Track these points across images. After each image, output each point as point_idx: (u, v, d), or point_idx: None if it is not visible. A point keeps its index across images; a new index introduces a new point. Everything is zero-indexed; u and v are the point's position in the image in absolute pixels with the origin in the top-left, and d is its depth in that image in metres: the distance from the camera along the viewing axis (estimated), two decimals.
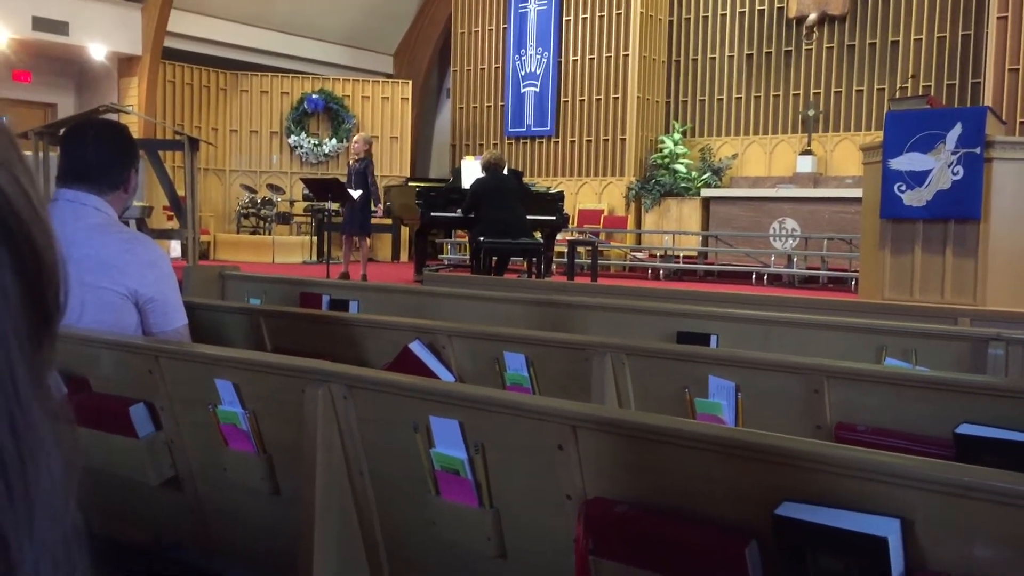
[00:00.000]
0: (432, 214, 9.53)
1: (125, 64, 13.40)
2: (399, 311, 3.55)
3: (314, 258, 13.29)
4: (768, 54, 13.20)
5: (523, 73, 14.42)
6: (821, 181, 12.33)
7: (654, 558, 1.29)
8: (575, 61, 13.93)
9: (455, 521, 1.61)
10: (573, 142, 14.03)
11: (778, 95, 13.13)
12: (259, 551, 2.07)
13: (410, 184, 12.39)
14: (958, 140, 5.75)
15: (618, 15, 13.47)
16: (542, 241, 9.07)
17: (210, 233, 13.89)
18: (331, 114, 15.45)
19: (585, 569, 1.35)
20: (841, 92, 12.65)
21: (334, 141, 15.36)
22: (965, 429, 1.67)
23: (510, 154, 14.24)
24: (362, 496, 1.77)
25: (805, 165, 12.45)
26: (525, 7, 14.34)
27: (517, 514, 1.55)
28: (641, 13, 13.36)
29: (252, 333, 2.99)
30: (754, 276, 11.58)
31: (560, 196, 10.37)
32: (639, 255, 13.11)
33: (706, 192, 12.89)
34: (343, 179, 9.70)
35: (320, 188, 9.33)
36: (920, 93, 11.21)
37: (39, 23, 12.15)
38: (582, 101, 13.89)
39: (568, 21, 14.00)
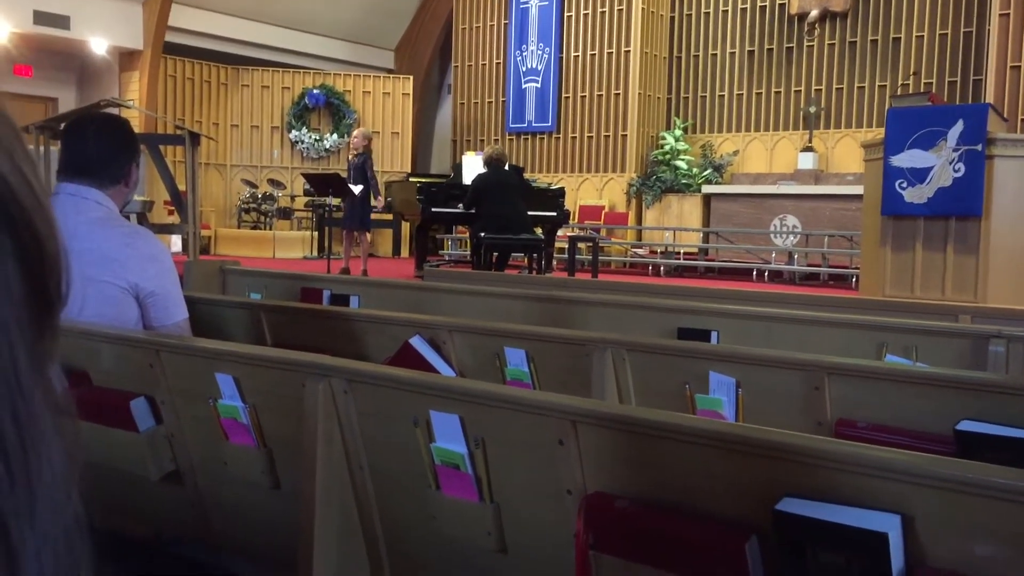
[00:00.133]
0: (433, 210, 9.52)
1: (126, 58, 13.39)
2: (400, 306, 3.55)
3: (315, 254, 13.28)
4: (770, 50, 13.17)
5: (524, 69, 14.40)
6: (822, 178, 12.32)
7: (654, 553, 1.29)
8: (576, 57, 13.91)
9: (455, 516, 1.61)
10: (574, 138, 14.02)
11: (779, 92, 13.11)
12: (259, 545, 2.07)
13: (411, 180, 12.38)
14: (959, 137, 5.74)
15: (619, 11, 13.45)
16: (543, 237, 9.07)
17: (211, 228, 13.89)
18: (332, 109, 15.44)
19: (585, 564, 1.35)
20: (843, 89, 12.63)
21: (335, 136, 15.35)
22: (966, 426, 1.67)
23: (511, 150, 14.22)
24: (362, 490, 1.77)
25: (806, 162, 12.43)
26: (527, 2, 14.32)
27: (517, 509, 1.55)
28: (642, 9, 13.33)
29: (253, 328, 2.99)
30: (755, 273, 11.59)
31: (561, 192, 10.37)
32: (640, 251, 13.10)
33: (707, 189, 12.88)
34: (344, 174, 9.70)
35: (321, 183, 9.32)
36: (922, 90, 11.18)
37: (40, 17, 12.15)
38: (583, 97, 13.88)
39: (569, 17, 13.97)
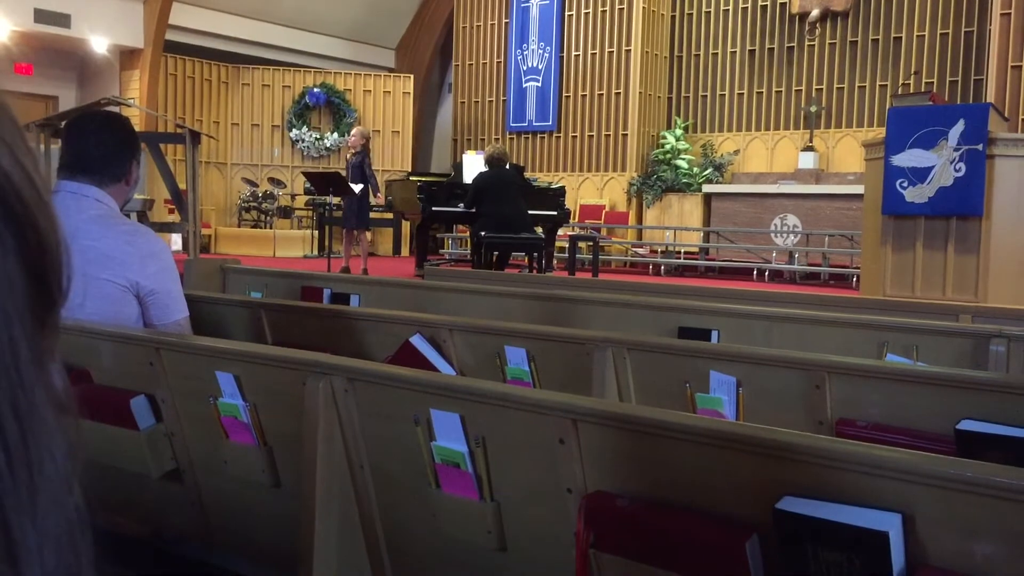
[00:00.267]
0: (433, 208, 9.52)
1: (127, 57, 13.39)
2: (400, 305, 3.54)
3: (315, 252, 13.28)
4: (770, 50, 13.17)
5: (525, 68, 14.39)
6: (823, 177, 12.32)
7: (655, 552, 1.29)
8: (577, 56, 13.90)
9: (456, 514, 1.61)
10: (575, 137, 14.02)
11: (780, 91, 13.11)
12: (260, 543, 2.07)
13: (411, 179, 12.37)
14: (960, 137, 5.74)
15: (620, 10, 13.45)
16: (543, 236, 9.06)
17: (211, 227, 13.89)
18: (333, 108, 15.44)
19: (585, 563, 1.35)
20: (843, 88, 12.62)
21: (335, 135, 15.35)
22: (966, 425, 1.67)
23: (512, 149, 14.21)
24: (363, 489, 1.77)
25: (807, 161, 12.43)
26: (527, 2, 14.32)
27: (518, 508, 1.55)
28: (643, 8, 13.33)
29: (253, 326, 2.99)
30: (755, 272, 11.58)
31: (561, 191, 10.36)
32: (640, 251, 13.10)
33: (707, 188, 12.88)
34: (344, 173, 9.69)
35: (321, 182, 9.32)
36: (923, 90, 11.17)
37: (41, 15, 12.15)
38: (584, 96, 13.87)
39: (570, 16, 13.97)
